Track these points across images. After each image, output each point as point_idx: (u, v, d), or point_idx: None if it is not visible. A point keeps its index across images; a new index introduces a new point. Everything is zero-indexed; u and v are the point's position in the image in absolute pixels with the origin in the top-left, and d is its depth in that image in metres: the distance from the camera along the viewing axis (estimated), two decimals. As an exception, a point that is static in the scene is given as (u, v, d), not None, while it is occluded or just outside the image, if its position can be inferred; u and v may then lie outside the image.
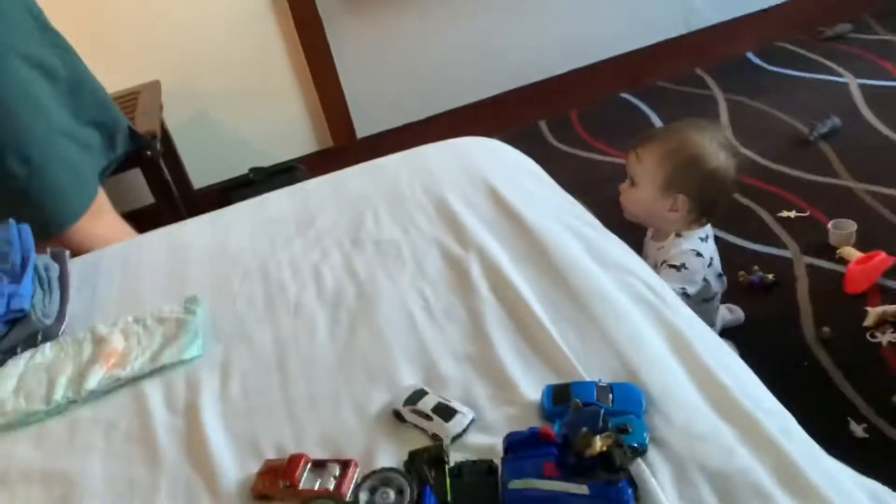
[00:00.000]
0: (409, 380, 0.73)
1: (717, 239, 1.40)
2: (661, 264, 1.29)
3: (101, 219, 1.33)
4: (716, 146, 1.28)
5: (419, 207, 1.02)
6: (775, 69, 2.60)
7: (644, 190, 1.32)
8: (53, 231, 1.25)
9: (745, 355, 1.39)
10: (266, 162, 2.49)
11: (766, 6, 2.83)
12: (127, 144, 1.42)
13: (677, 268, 1.28)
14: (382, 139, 2.68)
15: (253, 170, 2.44)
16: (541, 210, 0.94)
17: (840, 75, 2.41)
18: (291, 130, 2.70)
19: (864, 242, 1.62)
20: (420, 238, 0.95)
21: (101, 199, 1.34)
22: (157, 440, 0.73)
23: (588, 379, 0.68)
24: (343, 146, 2.66)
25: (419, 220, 0.99)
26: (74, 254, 1.12)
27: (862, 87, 2.30)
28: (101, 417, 0.78)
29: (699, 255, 1.30)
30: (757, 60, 2.71)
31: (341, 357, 0.78)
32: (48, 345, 0.90)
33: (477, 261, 0.87)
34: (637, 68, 2.87)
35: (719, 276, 1.38)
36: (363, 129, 2.70)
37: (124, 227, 1.40)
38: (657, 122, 2.56)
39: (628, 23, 2.84)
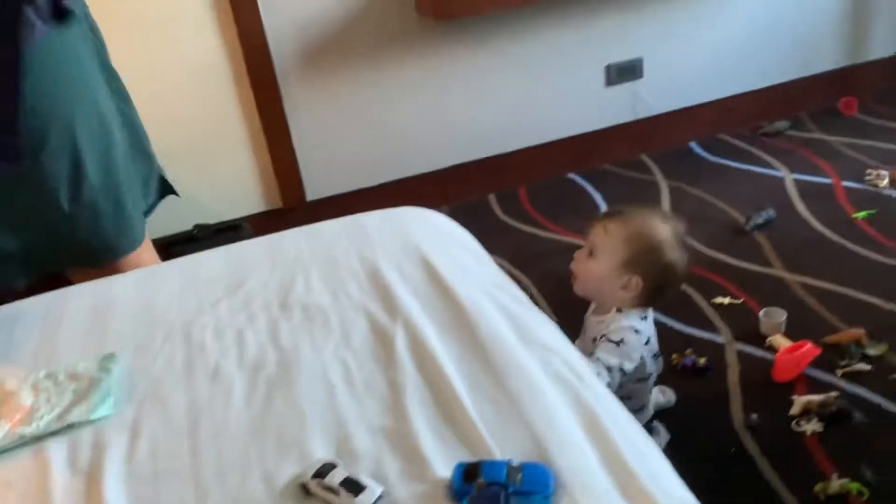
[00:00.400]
0: (322, 452, 0.72)
1: (654, 320, 1.43)
2: (601, 338, 1.31)
3: (148, 249, 1.38)
4: (675, 240, 1.34)
5: (352, 275, 1.02)
6: (716, 160, 2.71)
7: (602, 262, 1.34)
8: (119, 254, 1.29)
9: (674, 439, 1.42)
10: (213, 219, 2.48)
11: (709, 100, 2.96)
12: (160, 190, 1.47)
13: (616, 343, 1.30)
14: (331, 203, 2.69)
15: (197, 226, 2.42)
16: (472, 284, 0.95)
17: (776, 169, 2.51)
18: (241, 189, 2.69)
19: (793, 332, 1.66)
20: (349, 306, 0.94)
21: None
22: (52, 503, 0.70)
23: (500, 457, 0.68)
24: (291, 207, 2.66)
25: (350, 287, 0.99)
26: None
27: (797, 181, 2.40)
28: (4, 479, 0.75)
29: (637, 332, 1.33)
30: (699, 150, 2.82)
31: (255, 426, 0.76)
32: (-50, 395, 0.87)
33: (403, 332, 0.87)
34: (585, 151, 2.96)
35: (655, 356, 1.40)
36: (313, 191, 2.71)
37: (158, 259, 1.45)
38: (601, 203, 2.62)
39: (579, 107, 2.94)
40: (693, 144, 2.86)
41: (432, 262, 1.01)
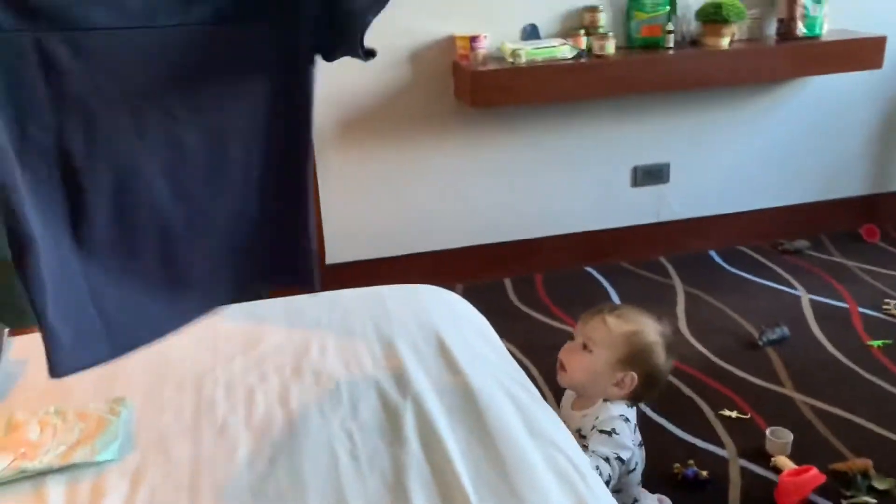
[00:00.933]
0: (319, 523, 0.71)
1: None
2: (591, 430, 1.30)
3: None
4: (667, 342, 1.36)
5: (367, 346, 1.03)
6: (734, 271, 2.72)
7: (598, 357, 1.34)
8: None
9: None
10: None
11: (732, 211, 3.00)
12: None
13: (609, 433, 1.29)
14: (349, 268, 2.72)
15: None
16: (485, 370, 0.95)
17: (794, 287, 2.51)
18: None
19: (799, 454, 1.64)
20: (361, 377, 0.95)
21: None
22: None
23: (498, 552, 0.67)
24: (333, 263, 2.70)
25: (364, 359, 1.00)
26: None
27: (813, 302, 2.40)
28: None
29: (627, 420, 1.33)
30: (718, 259, 2.83)
31: (255, 489, 0.76)
32: (-40, 422, 0.87)
33: (412, 410, 0.87)
34: (605, 247, 2.99)
35: (640, 445, 1.39)
36: (333, 255, 2.74)
37: None
38: (616, 299, 2.63)
39: (603, 204, 2.99)
40: (713, 253, 2.88)
41: (447, 344, 1.02)
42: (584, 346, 1.36)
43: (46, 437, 0.83)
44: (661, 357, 1.33)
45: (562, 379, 1.39)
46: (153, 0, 0.74)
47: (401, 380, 0.94)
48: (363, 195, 2.71)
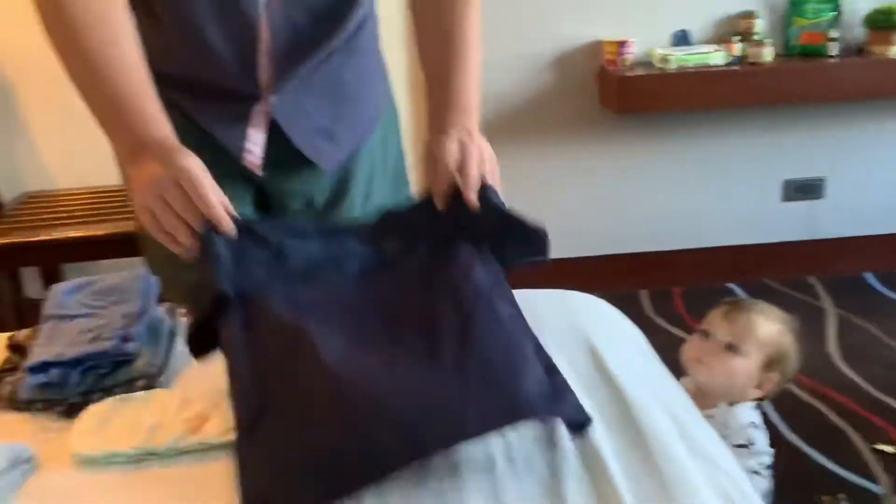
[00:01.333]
0: (479, 519, 0.72)
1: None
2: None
3: None
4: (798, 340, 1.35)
5: (518, 350, 1.03)
6: (892, 295, 2.55)
7: (749, 360, 1.29)
8: None
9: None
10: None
11: (894, 231, 2.81)
12: None
13: (745, 446, 1.24)
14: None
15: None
16: (642, 384, 0.93)
17: (961, 317, 2.33)
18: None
19: (966, 499, 1.51)
20: (514, 381, 0.95)
21: None
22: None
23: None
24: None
25: (517, 362, 0.99)
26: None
27: (984, 335, 2.21)
28: (174, 476, 0.80)
29: (757, 426, 1.27)
30: (874, 282, 2.66)
31: (416, 481, 0.78)
32: (142, 393, 0.94)
33: (567, 419, 0.86)
34: (750, 263, 2.87)
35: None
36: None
37: None
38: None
39: (750, 218, 2.86)
40: (868, 275, 2.70)
41: (601, 353, 1.01)
42: (730, 347, 1.31)
43: (216, 417, 0.87)
44: (797, 355, 1.30)
45: (700, 376, 1.33)
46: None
47: (555, 386, 0.93)
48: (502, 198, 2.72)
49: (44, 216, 2.37)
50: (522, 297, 1.17)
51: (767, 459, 1.23)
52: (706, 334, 1.37)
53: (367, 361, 0.81)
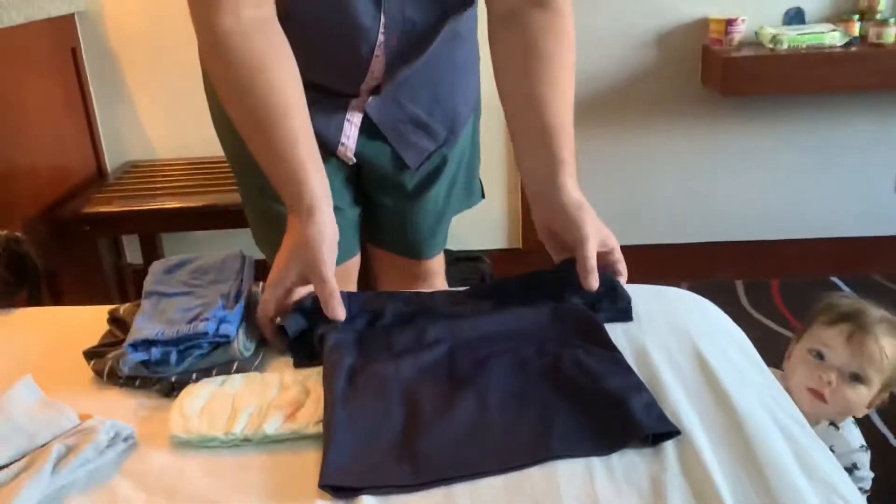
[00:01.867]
0: (576, 534, 0.69)
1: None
2: None
3: (348, 285, 1.43)
4: None
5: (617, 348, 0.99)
6: None
7: (871, 388, 1.21)
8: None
9: None
10: (456, 246, 2.56)
11: None
12: None
13: (850, 469, 1.16)
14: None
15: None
16: (750, 393, 0.88)
17: None
18: (488, 224, 2.76)
19: None
20: (613, 383, 0.91)
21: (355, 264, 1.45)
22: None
23: None
24: (530, 250, 2.69)
25: (615, 363, 0.96)
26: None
27: None
28: (269, 463, 0.80)
29: (866, 448, 1.20)
30: None
31: (511, 486, 0.75)
32: (239, 376, 0.95)
33: (671, 428, 0.82)
34: (856, 256, 2.72)
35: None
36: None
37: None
38: (866, 317, 2.37)
39: (858, 209, 2.71)
40: None
41: (706, 357, 0.95)
42: (855, 378, 1.23)
43: (312, 405, 0.87)
44: None
45: (816, 410, 1.26)
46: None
47: (656, 390, 0.89)
48: (588, 179, 2.65)
49: (145, 185, 2.45)
50: (621, 291, 1.13)
51: (868, 483, 1.16)
52: (820, 356, 1.28)
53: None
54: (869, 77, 2.24)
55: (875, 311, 1.31)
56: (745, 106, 2.54)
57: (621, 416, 0.81)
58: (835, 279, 2.62)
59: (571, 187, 1.07)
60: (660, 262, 2.71)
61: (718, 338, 1.03)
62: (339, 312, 0.97)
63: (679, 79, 2.53)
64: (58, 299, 2.35)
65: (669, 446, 0.80)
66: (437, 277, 1.52)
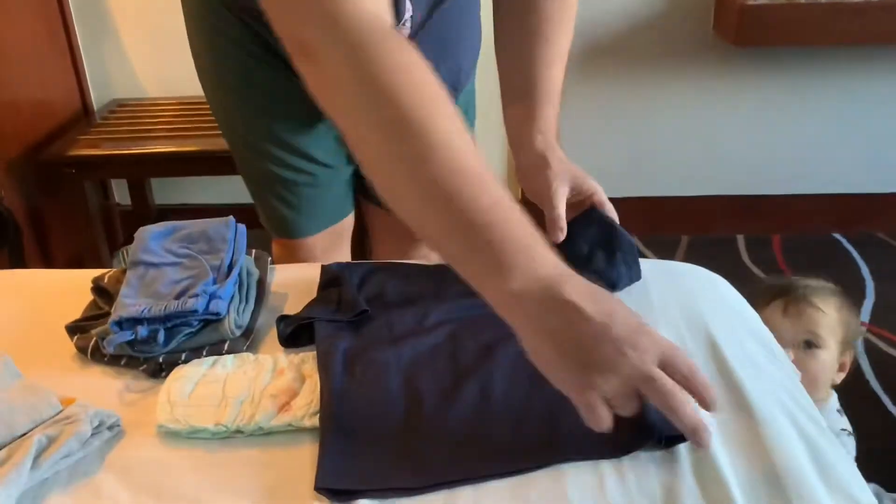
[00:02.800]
0: (584, 548, 0.66)
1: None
2: None
3: (342, 244, 1.38)
4: None
5: (627, 335, 0.94)
6: None
7: (829, 350, 1.23)
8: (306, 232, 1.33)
9: None
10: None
11: None
12: None
13: (848, 432, 1.19)
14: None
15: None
16: (766, 389, 0.84)
17: None
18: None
19: None
20: (623, 373, 0.87)
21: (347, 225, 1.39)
22: (311, 513, 0.70)
23: None
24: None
25: (625, 350, 0.91)
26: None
27: None
28: (263, 459, 0.76)
29: (841, 412, 1.23)
30: None
31: (514, 489, 0.72)
32: (230, 357, 0.90)
33: (684, 428, 0.78)
34: (862, 213, 2.67)
35: (850, 433, 1.28)
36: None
37: None
38: (867, 276, 2.36)
39: (868, 164, 2.65)
40: None
41: (719, 345, 0.91)
42: (809, 344, 1.24)
43: (308, 393, 0.83)
44: (858, 322, 1.25)
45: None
46: None
47: (668, 382, 0.84)
48: (591, 129, 2.57)
49: (133, 126, 2.36)
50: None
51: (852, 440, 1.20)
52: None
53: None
54: (894, 27, 2.13)
55: (803, 280, 1.33)
56: (757, 56, 2.44)
57: (633, 417, 0.77)
58: (837, 236, 2.58)
59: (539, 142, 1.04)
60: (660, 215, 2.66)
61: (733, 322, 0.99)
62: None
63: (689, 26, 2.43)
64: (43, 242, 2.29)
65: (683, 451, 0.76)
66: None
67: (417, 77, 0.73)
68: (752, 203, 2.67)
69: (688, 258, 2.50)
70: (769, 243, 2.58)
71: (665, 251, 2.55)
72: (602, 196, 1.03)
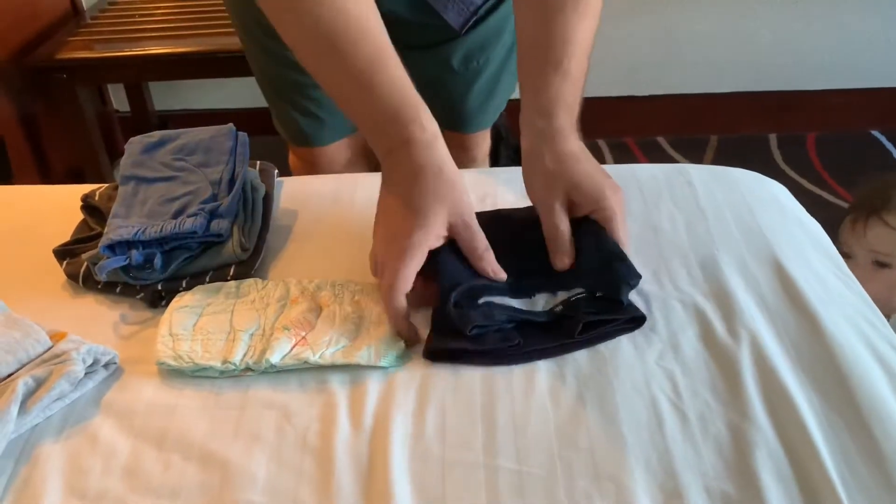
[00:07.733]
0: (645, 502, 0.58)
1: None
2: None
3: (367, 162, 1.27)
4: None
5: (679, 253, 0.84)
6: None
7: None
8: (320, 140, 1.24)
9: None
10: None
11: None
12: None
13: None
14: (592, 104, 2.48)
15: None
16: (840, 314, 0.75)
17: None
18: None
19: None
20: (677, 299, 0.77)
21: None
22: (334, 465, 0.62)
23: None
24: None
25: (677, 271, 0.81)
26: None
27: None
28: (278, 401, 0.68)
29: None
30: None
31: (562, 433, 0.63)
32: (237, 283, 0.81)
33: (750, 360, 0.69)
34: (902, 108, 2.51)
35: None
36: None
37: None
38: (907, 173, 2.22)
39: (910, 56, 2.46)
40: None
41: (785, 265, 0.81)
42: (878, 263, 1.13)
43: (326, 326, 0.74)
44: None
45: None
46: None
47: (728, 310, 0.75)
48: (623, 22, 2.40)
49: (127, 26, 2.20)
50: (676, 172, 0.98)
51: None
52: (846, 257, 1.17)
53: None
54: None
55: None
56: (797, -62, 2.24)
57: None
58: (876, 133, 2.44)
59: (536, 127, 0.83)
60: (689, 113, 2.51)
61: (797, 237, 0.88)
62: (501, 272, 0.77)
63: None
64: (40, 154, 2.18)
65: (751, 384, 0.67)
66: (478, 150, 1.35)
67: None
68: (784, 99, 2.51)
69: (717, 159, 2.38)
70: (803, 142, 2.45)
71: (693, 152, 2.42)
72: (618, 222, 0.80)
